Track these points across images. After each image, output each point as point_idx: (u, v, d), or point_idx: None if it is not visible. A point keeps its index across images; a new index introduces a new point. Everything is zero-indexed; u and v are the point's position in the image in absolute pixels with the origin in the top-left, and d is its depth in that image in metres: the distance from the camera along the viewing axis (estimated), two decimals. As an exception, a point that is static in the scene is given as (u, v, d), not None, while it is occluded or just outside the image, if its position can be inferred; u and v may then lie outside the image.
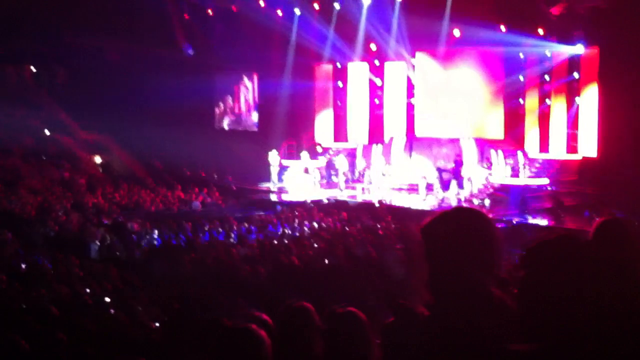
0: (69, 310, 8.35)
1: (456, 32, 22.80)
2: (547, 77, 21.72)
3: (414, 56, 24.61)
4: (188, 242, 15.86)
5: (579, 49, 20.36)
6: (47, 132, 27.10)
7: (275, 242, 15.20)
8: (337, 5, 24.53)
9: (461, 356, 2.26)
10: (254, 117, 29.17)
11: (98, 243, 15.33)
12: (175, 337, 5.01)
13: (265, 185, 24.34)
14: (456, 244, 2.33)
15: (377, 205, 20.03)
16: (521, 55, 22.01)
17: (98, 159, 26.58)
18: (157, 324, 8.55)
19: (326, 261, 13.80)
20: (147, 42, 25.48)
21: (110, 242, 15.47)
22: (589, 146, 20.37)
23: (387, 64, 25.42)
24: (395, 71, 25.33)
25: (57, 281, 10.37)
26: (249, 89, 29.33)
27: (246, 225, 17.71)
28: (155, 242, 15.75)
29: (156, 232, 16.35)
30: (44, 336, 5.41)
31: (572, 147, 21.00)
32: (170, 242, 15.72)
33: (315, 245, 14.83)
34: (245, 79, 29.30)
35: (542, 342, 2.13)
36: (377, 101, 26.08)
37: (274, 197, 23.00)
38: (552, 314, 2.15)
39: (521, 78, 22.27)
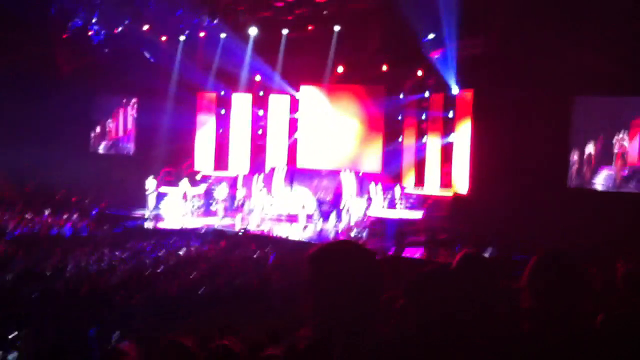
0: None
1: (340, 69, 23.55)
2: (423, 116, 22.72)
3: (298, 90, 24.99)
4: (56, 269, 14.98)
5: (454, 90, 21.46)
6: None
7: (150, 270, 14.65)
8: (222, 35, 24.48)
9: None
10: (132, 142, 28.33)
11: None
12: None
13: (140, 212, 23.54)
14: (341, 275, 2.33)
15: (240, 234, 19.99)
16: (401, 96, 22.99)
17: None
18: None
19: (202, 289, 13.49)
20: (21, 62, 24.06)
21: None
22: (460, 183, 21.34)
23: (271, 96, 25.61)
24: (279, 103, 25.57)
25: None
26: (128, 114, 28.50)
27: (117, 252, 17.00)
28: (19, 267, 14.73)
29: (21, 255, 15.37)
30: None
31: (445, 183, 21.95)
32: (36, 267, 14.78)
33: (195, 273, 14.48)
34: (125, 103, 28.46)
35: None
36: (260, 132, 26.13)
37: (149, 224, 22.27)
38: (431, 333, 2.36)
39: (400, 117, 23.24)
